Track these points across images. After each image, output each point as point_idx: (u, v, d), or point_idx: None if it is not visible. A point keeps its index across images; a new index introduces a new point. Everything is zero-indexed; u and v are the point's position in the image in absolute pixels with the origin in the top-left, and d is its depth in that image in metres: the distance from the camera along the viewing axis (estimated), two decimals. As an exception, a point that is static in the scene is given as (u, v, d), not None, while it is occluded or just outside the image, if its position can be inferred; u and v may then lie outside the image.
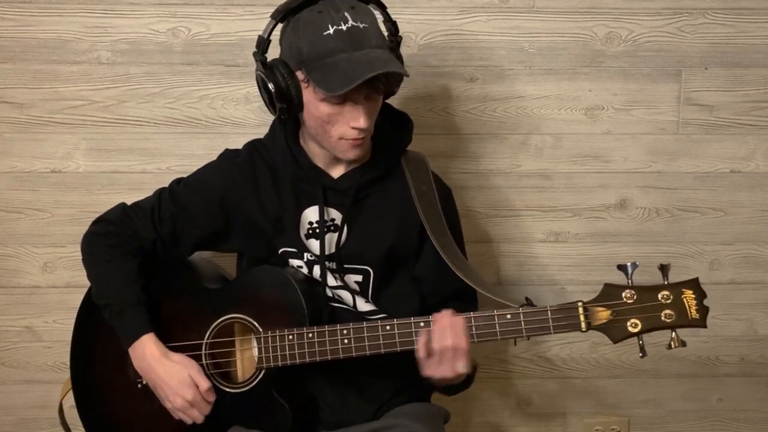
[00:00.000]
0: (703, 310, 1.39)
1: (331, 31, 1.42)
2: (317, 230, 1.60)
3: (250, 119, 1.94)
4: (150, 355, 1.56)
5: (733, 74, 1.97)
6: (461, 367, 1.44)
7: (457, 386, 1.60)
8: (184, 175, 1.70)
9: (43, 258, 2.00)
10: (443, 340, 1.42)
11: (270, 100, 1.51)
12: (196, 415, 1.56)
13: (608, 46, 1.94)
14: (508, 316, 1.43)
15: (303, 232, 1.61)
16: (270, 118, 1.63)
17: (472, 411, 2.16)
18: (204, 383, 1.55)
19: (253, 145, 1.68)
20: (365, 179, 1.60)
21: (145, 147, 1.95)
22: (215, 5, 1.89)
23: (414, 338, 1.46)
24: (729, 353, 2.14)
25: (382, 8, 1.56)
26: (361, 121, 1.47)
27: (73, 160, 1.95)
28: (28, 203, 1.97)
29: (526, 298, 1.47)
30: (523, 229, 2.04)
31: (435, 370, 1.45)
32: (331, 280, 1.61)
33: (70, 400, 1.76)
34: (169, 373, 1.55)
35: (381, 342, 1.48)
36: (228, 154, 1.69)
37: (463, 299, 1.63)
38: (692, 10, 1.93)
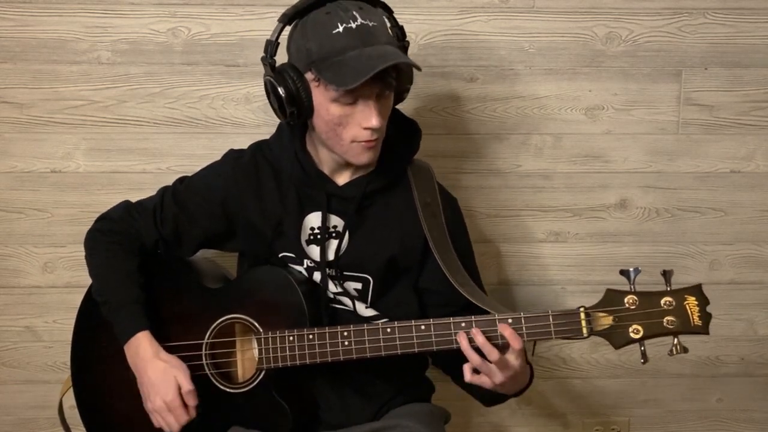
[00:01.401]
0: (706, 317, 1.39)
1: (341, 29, 1.41)
2: (318, 236, 1.59)
3: (250, 119, 1.94)
4: (143, 353, 1.55)
5: (733, 74, 1.97)
6: (514, 360, 1.41)
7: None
8: (187, 175, 1.70)
9: (43, 258, 2.00)
10: (490, 356, 1.40)
11: (280, 105, 1.48)
12: (172, 422, 1.53)
13: (608, 46, 1.94)
14: (510, 321, 1.42)
15: (304, 238, 1.60)
16: (272, 118, 1.62)
17: (472, 411, 2.16)
18: (187, 385, 1.52)
19: (258, 147, 1.66)
20: (370, 188, 1.58)
21: (145, 147, 1.95)
22: (215, 5, 1.89)
23: (414, 341, 1.46)
24: (729, 353, 2.14)
25: (389, 12, 1.54)
26: (374, 121, 1.45)
27: (73, 160, 1.95)
28: (28, 203, 1.97)
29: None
30: (523, 229, 2.04)
31: (494, 378, 1.42)
32: (331, 287, 1.60)
33: (69, 400, 1.76)
34: (156, 372, 1.53)
35: (382, 344, 1.47)
36: (232, 155, 1.67)
37: (475, 311, 1.56)
38: (692, 10, 1.93)
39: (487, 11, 1.92)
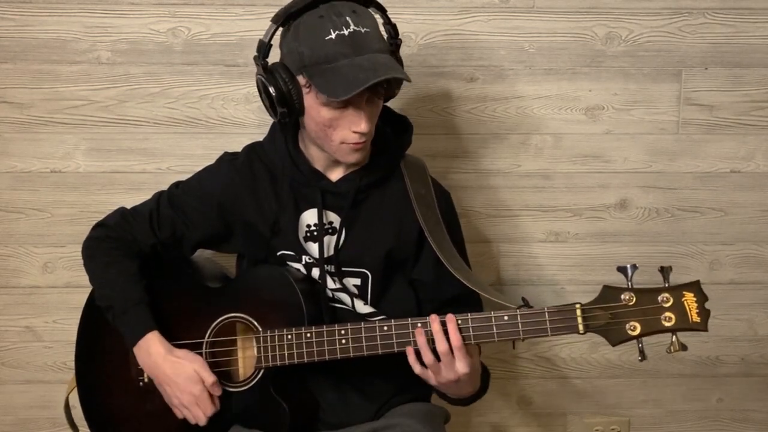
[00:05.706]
0: (705, 314, 1.36)
1: (333, 35, 1.42)
2: (315, 233, 1.60)
3: (250, 119, 1.94)
4: (155, 353, 1.56)
5: (733, 74, 1.97)
6: (462, 367, 1.43)
7: (472, 395, 1.59)
8: (184, 177, 1.70)
9: (43, 258, 2.00)
10: (438, 346, 1.43)
11: (271, 104, 1.50)
12: (200, 414, 1.55)
13: (608, 46, 1.94)
14: (506, 318, 1.42)
15: (301, 235, 1.61)
16: (270, 119, 1.63)
17: (472, 411, 2.15)
18: (209, 378, 1.54)
19: (252, 148, 1.68)
20: (364, 183, 1.60)
21: (145, 147, 1.95)
22: (215, 5, 1.89)
23: (412, 339, 1.46)
24: (729, 353, 2.14)
25: (382, 11, 1.55)
26: (363, 126, 1.47)
27: (73, 160, 1.95)
28: (28, 203, 1.98)
29: (523, 299, 1.46)
30: (523, 229, 2.04)
31: (438, 377, 1.45)
32: (330, 283, 1.61)
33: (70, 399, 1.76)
34: (175, 369, 1.55)
35: (378, 343, 1.47)
36: (226, 157, 1.69)
37: (464, 305, 1.59)
38: (692, 10, 1.93)
39: (487, 11, 1.92)
